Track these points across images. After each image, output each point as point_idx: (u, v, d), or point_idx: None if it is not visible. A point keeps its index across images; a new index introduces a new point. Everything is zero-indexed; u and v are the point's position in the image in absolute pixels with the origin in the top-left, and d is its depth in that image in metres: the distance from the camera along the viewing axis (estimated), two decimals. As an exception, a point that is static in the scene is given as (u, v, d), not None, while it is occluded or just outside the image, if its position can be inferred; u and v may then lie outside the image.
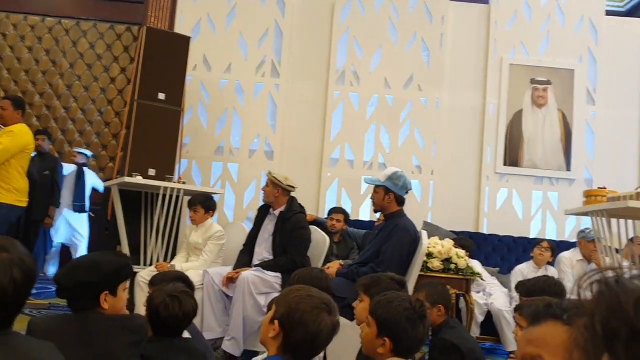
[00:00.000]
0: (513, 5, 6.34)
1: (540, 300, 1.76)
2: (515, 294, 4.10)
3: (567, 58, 6.28)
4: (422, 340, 1.91)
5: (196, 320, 2.68)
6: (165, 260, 4.67)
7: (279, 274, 3.76)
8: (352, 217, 5.91)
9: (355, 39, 6.29)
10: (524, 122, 6.24)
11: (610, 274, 0.44)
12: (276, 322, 1.61)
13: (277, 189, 3.99)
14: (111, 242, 5.10)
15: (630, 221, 3.78)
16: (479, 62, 6.33)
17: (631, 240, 3.96)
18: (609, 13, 6.55)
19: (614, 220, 3.68)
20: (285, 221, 3.89)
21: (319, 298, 1.67)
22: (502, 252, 5.90)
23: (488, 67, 6.30)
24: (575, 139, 6.20)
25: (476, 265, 4.94)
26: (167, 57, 5.14)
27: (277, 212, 4.00)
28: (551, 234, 6.09)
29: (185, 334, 2.18)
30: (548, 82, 6.25)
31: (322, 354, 2.32)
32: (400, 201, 3.61)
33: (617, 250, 3.96)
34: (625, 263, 4.09)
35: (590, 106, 6.28)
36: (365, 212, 6.04)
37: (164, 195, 4.75)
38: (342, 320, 3.04)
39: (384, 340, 1.83)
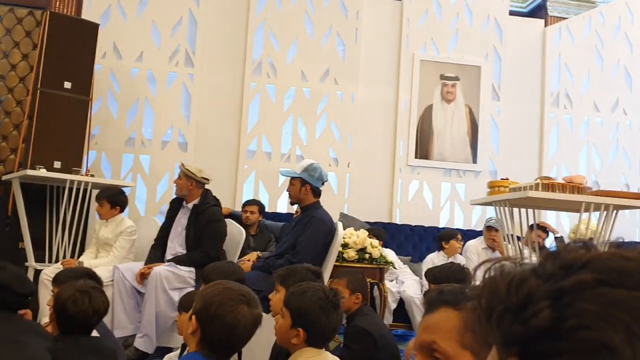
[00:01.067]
0: (425, 3, 6.55)
1: (446, 287, 1.84)
2: (426, 282, 4.27)
3: (474, 55, 6.57)
4: (335, 329, 1.95)
5: (107, 318, 2.58)
6: (73, 256, 4.46)
7: (193, 269, 3.69)
8: (270, 210, 5.92)
9: (272, 30, 6.27)
10: (434, 117, 6.47)
11: (501, 263, 0.47)
12: (193, 317, 1.61)
13: (190, 182, 3.91)
14: (12, 238, 4.81)
15: (530, 210, 4.03)
16: (392, 57, 6.50)
17: (531, 227, 4.22)
18: (512, 13, 6.91)
19: (515, 210, 3.91)
20: (199, 214, 3.82)
21: (237, 291, 1.67)
22: (413, 241, 6.12)
23: (401, 63, 6.47)
24: (481, 133, 6.51)
25: (390, 254, 5.09)
26: (73, 44, 4.89)
27: (190, 205, 3.92)
28: (459, 224, 6.37)
29: (94, 334, 2.10)
30: (456, 79, 6.52)
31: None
32: (317, 193, 3.64)
33: (518, 238, 4.21)
34: (526, 250, 4.36)
35: (496, 102, 6.61)
36: (283, 204, 6.05)
37: (70, 189, 4.53)
38: (258, 313, 3.05)
39: (298, 331, 1.85)
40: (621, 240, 0.48)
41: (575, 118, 6.71)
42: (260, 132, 6.20)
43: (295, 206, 4.02)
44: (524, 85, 6.65)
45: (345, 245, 4.23)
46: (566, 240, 5.67)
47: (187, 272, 3.68)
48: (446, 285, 1.10)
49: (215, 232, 3.82)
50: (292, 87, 6.29)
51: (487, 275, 0.46)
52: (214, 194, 4.03)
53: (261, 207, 5.20)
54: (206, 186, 4.00)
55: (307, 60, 6.30)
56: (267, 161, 6.19)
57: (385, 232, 5.46)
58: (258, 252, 4.03)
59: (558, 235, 5.69)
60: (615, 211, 3.42)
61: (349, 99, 6.37)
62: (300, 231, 3.50)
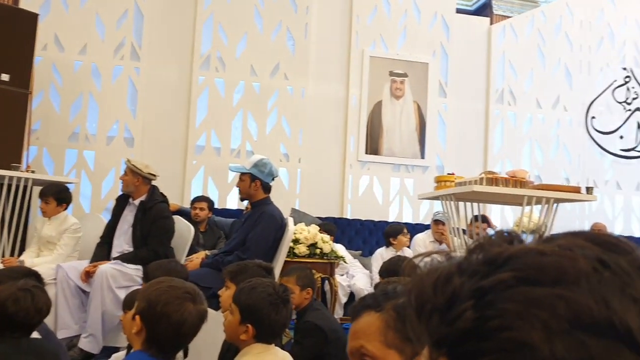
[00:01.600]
0: (373, 0, 6.61)
1: (395, 280, 1.87)
2: (377, 276, 4.33)
3: (422, 52, 6.68)
4: (285, 324, 1.95)
5: (49, 319, 2.50)
6: (13, 255, 4.29)
7: (140, 267, 3.61)
8: (219, 206, 5.85)
9: (220, 24, 6.19)
10: (384, 113, 6.55)
11: (431, 258, 0.47)
12: (137, 317, 1.58)
13: (137, 178, 3.82)
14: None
15: (475, 204, 4.14)
16: (342, 53, 6.53)
17: (475, 219, 4.34)
18: (459, 11, 7.06)
19: (461, 204, 4.00)
20: (146, 211, 3.74)
21: (182, 288, 1.65)
22: (364, 235, 6.18)
23: (351, 59, 6.51)
24: (429, 129, 6.63)
25: (340, 249, 5.13)
26: (11, 34, 4.69)
27: (137, 202, 3.83)
28: (407, 218, 6.48)
29: (35, 335, 2.02)
30: (405, 75, 6.61)
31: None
32: (267, 189, 3.62)
33: (464, 231, 4.32)
34: (471, 242, 4.47)
35: (443, 98, 6.74)
36: (233, 200, 6.00)
37: (9, 185, 4.35)
38: (209, 311, 3.01)
39: (247, 327, 1.84)
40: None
41: (519, 114, 6.92)
42: (209, 127, 6.12)
43: (246, 202, 3.98)
44: (470, 82, 6.81)
45: (296, 241, 4.24)
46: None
47: (134, 270, 3.59)
48: (395, 279, 1.12)
49: (163, 230, 3.75)
50: (242, 82, 6.23)
51: (417, 271, 0.46)
52: (161, 191, 3.95)
53: (210, 203, 5.14)
54: (153, 182, 3.92)
55: (257, 54, 6.26)
56: (216, 157, 6.11)
57: (336, 227, 5.49)
58: (206, 251, 3.98)
59: (497, 229, 5.85)
60: (555, 204, 3.55)
61: (299, 94, 6.36)
62: (250, 227, 3.48)
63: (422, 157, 6.60)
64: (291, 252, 4.11)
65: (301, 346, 2.88)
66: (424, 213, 6.55)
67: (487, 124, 6.81)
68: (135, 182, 3.81)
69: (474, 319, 0.39)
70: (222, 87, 6.19)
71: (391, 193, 6.58)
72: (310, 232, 4.30)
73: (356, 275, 5.17)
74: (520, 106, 6.91)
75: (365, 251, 5.95)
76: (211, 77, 6.16)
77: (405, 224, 5.83)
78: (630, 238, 4.75)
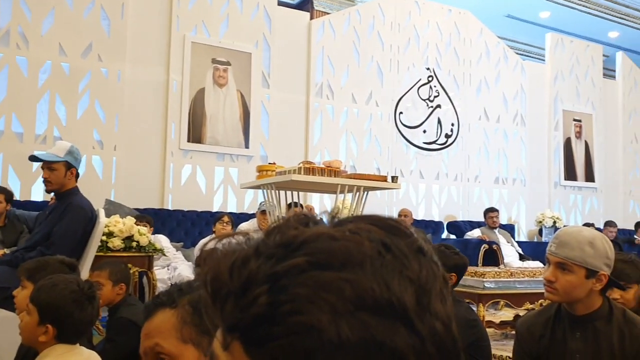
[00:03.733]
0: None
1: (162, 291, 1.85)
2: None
3: (245, 42, 6.69)
4: (91, 322, 1.83)
5: None
6: None
7: None
8: (22, 198, 5.31)
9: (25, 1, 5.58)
10: (207, 101, 6.45)
11: (229, 240, 0.46)
12: None
13: None
14: None
15: (295, 192, 4.27)
16: (162, 37, 6.28)
17: (289, 206, 4.48)
18: (281, 4, 7.19)
19: (282, 192, 4.10)
20: None
21: None
22: (186, 226, 6.04)
23: (171, 43, 6.29)
24: (252, 119, 6.68)
25: (162, 240, 4.96)
26: None
27: None
28: (232, 208, 6.48)
29: None
30: (228, 64, 6.57)
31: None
32: (77, 178, 3.37)
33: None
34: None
35: (266, 89, 6.83)
36: (38, 192, 5.47)
37: None
38: (4, 313, 2.71)
39: (47, 328, 1.70)
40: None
41: (336, 108, 7.27)
42: (9, 110, 5.49)
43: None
44: (292, 74, 6.99)
45: (110, 234, 4.00)
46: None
47: None
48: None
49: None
50: (49, 61, 5.69)
51: (214, 254, 0.45)
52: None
53: (8, 195, 4.63)
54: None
55: (66, 32, 5.76)
56: (18, 143, 5.52)
57: (155, 218, 5.30)
58: (5, 249, 3.58)
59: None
60: (365, 192, 3.80)
61: (115, 77, 5.99)
62: (56, 220, 3.20)
63: (247, 146, 6.63)
64: (104, 246, 3.88)
65: (114, 344, 2.74)
66: (248, 202, 6.60)
67: (307, 116, 7.06)
68: None
69: (268, 304, 0.39)
70: (24, 66, 5.59)
71: (215, 182, 6.51)
72: (125, 225, 4.09)
73: (179, 267, 5.04)
74: (338, 100, 7.27)
75: (187, 242, 5.83)
76: (11, 54, 5.53)
77: (230, 213, 5.81)
78: (431, 222, 5.31)
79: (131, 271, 3.85)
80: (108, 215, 4.27)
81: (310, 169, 3.53)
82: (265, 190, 4.10)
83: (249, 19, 6.75)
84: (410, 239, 0.44)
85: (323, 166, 3.67)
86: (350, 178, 3.66)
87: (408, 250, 0.43)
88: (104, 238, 3.84)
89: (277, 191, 4.00)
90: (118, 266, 3.00)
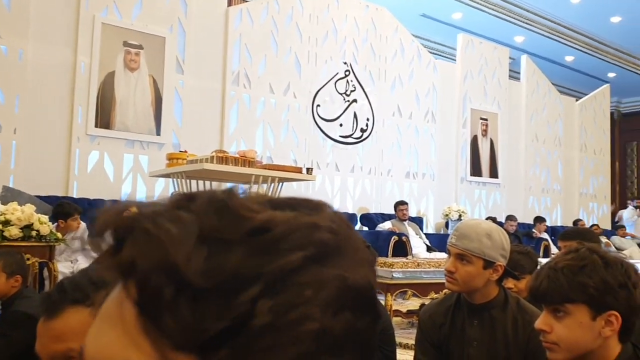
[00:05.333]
0: (106, -38, 6.15)
1: (68, 282, 1.76)
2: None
3: (159, 26, 6.47)
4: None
5: None
6: None
7: None
8: None
9: None
10: (117, 85, 6.18)
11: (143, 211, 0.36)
12: None
13: None
14: None
15: (208, 182, 4.19)
16: (70, 16, 5.95)
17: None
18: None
19: (193, 182, 4.01)
20: None
21: None
22: (91, 215, 5.77)
23: (79, 23, 5.97)
24: (165, 105, 6.48)
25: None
26: None
27: None
28: (141, 196, 6.26)
29: None
30: (140, 47, 6.33)
31: None
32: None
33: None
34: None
35: (180, 75, 6.65)
36: None
37: None
38: None
39: None
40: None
41: (253, 97, 7.21)
42: None
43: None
44: (208, 61, 6.84)
45: (6, 222, 3.76)
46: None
47: None
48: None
49: None
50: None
51: (141, 232, 0.36)
52: None
53: None
54: None
55: (-40, 4, 5.32)
56: None
57: (55, 207, 5.01)
58: None
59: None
60: (281, 183, 3.79)
61: (16, 56, 5.61)
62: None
63: (158, 133, 6.43)
64: (1, 235, 3.64)
65: (8, 338, 2.57)
66: (158, 192, 6.41)
67: (223, 104, 6.94)
68: None
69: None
70: None
71: (124, 170, 6.27)
72: (24, 213, 3.85)
73: (79, 259, 4.82)
74: (255, 89, 7.20)
75: (93, 232, 5.57)
76: None
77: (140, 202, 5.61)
78: (345, 214, 5.34)
79: (30, 262, 3.64)
80: (5, 202, 4.01)
81: (223, 158, 3.48)
82: (175, 180, 3.99)
83: (164, 1, 6.53)
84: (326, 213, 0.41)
85: (237, 156, 3.63)
86: (265, 169, 3.64)
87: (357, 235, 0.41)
88: (0, 227, 3.60)
89: (188, 181, 3.90)
90: (13, 256, 2.82)
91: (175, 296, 0.34)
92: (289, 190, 7.16)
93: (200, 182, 4.08)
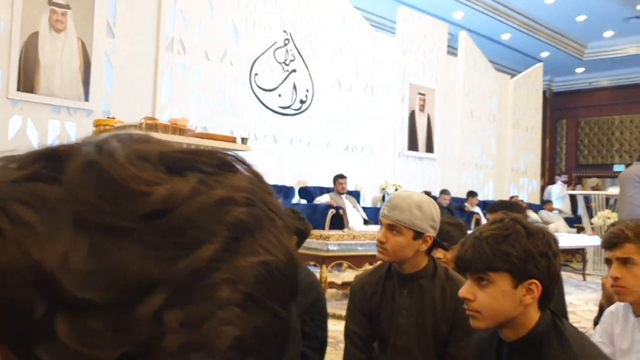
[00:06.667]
0: None
1: None
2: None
3: (88, -15, 6.10)
4: None
5: None
6: None
7: None
8: None
9: None
10: (41, 47, 5.81)
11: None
12: None
13: None
14: None
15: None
16: (-13, -31, 5.51)
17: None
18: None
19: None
20: None
21: None
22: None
23: (-2, -22, 5.55)
24: (94, 70, 6.15)
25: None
26: None
27: None
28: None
29: None
30: (67, 7, 5.95)
31: None
32: None
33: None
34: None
35: (110, 39, 6.32)
36: None
37: None
38: None
39: None
40: None
41: (188, 65, 6.96)
42: None
43: None
44: (140, 25, 6.53)
45: None
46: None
47: None
48: None
49: None
50: None
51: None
52: None
53: None
54: None
55: None
56: None
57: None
58: None
59: None
60: (213, 152, 3.68)
61: None
62: None
63: (86, 99, 6.11)
64: None
65: None
66: (87, 160, 6.12)
67: (156, 71, 6.67)
68: None
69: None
70: None
71: (49, 137, 5.94)
72: None
73: None
74: (190, 56, 6.95)
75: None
76: None
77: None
78: (283, 187, 5.32)
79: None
80: None
81: (153, 126, 3.33)
82: (103, 147, 3.81)
83: (93, -41, 6.15)
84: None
85: (168, 124, 3.48)
86: (197, 137, 3.51)
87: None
88: None
89: (117, 148, 3.73)
90: None
91: (49, 316, 0.24)
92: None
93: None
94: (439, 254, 2.51)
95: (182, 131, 3.46)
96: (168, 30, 6.75)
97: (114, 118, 3.86)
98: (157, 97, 6.64)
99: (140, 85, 6.52)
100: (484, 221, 8.46)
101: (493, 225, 1.28)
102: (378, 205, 8.81)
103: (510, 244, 1.23)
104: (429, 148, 10.01)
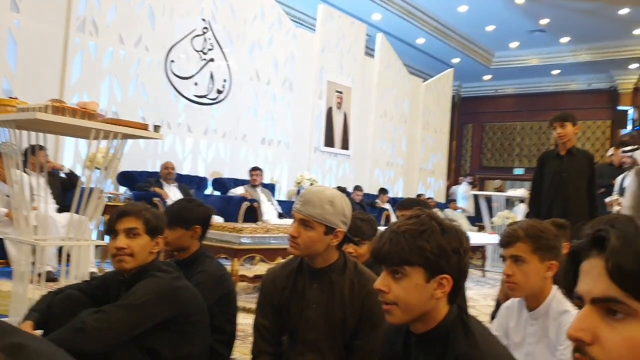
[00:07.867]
0: None
1: None
2: None
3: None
4: None
5: None
6: None
7: None
8: None
9: None
10: None
11: None
12: None
13: None
14: None
15: (42, 134, 3.80)
16: None
17: (33, 148, 4.03)
18: None
19: (26, 134, 3.61)
20: None
21: None
22: None
23: None
24: (-5, 46, 5.76)
25: None
26: None
27: None
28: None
29: None
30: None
31: None
32: None
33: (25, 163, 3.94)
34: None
35: (14, 13, 5.93)
36: None
37: None
38: None
39: None
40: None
41: (100, 47, 6.66)
42: None
43: None
44: (49, 2, 6.18)
45: None
46: (82, 170, 5.68)
47: None
48: None
49: None
50: None
51: None
52: None
53: None
54: None
55: None
56: None
57: None
58: None
59: (67, 171, 5.59)
60: (124, 140, 3.55)
61: None
62: None
63: (-15, 77, 5.71)
64: None
65: None
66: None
67: (65, 52, 6.33)
68: None
69: None
70: None
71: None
72: None
73: None
74: (103, 39, 6.66)
75: None
76: None
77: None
78: (196, 177, 5.24)
79: None
80: None
81: (60, 108, 3.15)
82: (4, 129, 3.57)
83: None
84: None
85: (76, 107, 3.31)
86: (107, 123, 3.37)
87: None
88: None
89: (19, 131, 3.50)
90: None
91: None
92: (136, 150, 6.81)
93: (34, 134, 3.69)
94: (350, 248, 2.58)
95: (91, 116, 3.30)
96: (80, 9, 6.43)
97: (16, 98, 3.62)
98: (66, 79, 6.32)
99: (47, 66, 6.18)
100: (393, 217, 8.75)
101: (410, 221, 1.32)
102: (293, 199, 8.87)
103: (426, 239, 1.27)
104: (345, 145, 10.19)
